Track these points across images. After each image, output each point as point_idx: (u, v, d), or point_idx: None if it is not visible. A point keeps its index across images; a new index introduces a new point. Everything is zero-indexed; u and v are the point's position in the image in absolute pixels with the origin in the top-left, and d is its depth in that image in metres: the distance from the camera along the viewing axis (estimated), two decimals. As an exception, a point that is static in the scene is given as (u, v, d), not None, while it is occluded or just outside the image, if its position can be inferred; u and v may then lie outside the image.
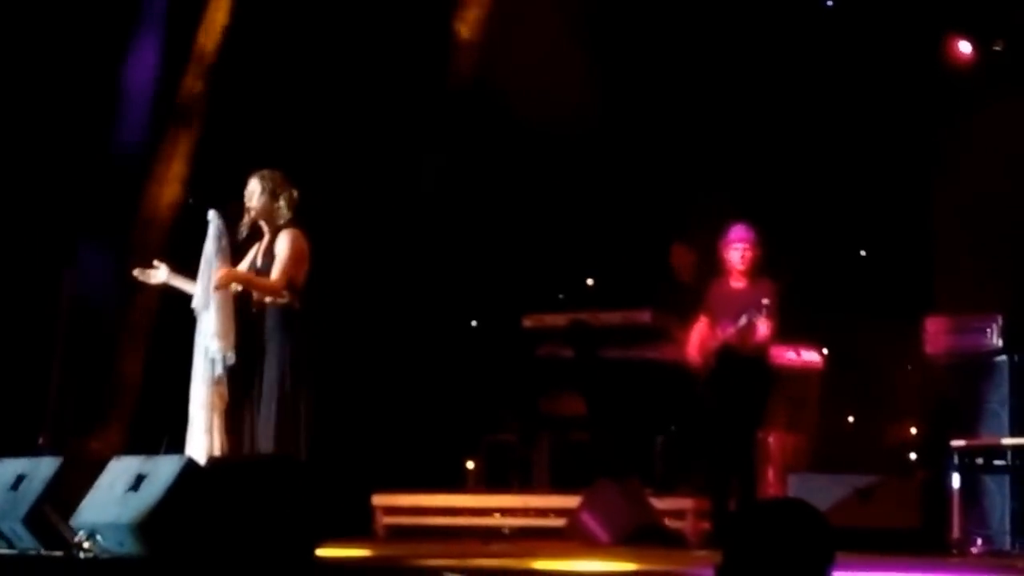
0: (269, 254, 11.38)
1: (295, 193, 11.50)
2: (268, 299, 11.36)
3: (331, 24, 15.19)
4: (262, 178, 11.49)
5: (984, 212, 14.59)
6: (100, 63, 14.77)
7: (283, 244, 11.33)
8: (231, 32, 15.18)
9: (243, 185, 11.54)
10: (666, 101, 15.63)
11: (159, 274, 11.48)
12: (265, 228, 11.48)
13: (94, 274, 14.40)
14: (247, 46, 15.05)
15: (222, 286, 11.23)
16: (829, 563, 5.69)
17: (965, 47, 15.12)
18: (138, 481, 10.33)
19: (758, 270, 13.16)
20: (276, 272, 11.22)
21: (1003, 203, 14.46)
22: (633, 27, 15.53)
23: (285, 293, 11.28)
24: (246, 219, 11.47)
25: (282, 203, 11.48)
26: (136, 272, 11.53)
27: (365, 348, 14.67)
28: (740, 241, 13.17)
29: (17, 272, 14.17)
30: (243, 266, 11.45)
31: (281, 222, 11.45)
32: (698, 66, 15.48)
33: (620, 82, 15.60)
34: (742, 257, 13.13)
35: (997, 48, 14.91)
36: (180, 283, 11.43)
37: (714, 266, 13.40)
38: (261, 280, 11.29)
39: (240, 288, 11.40)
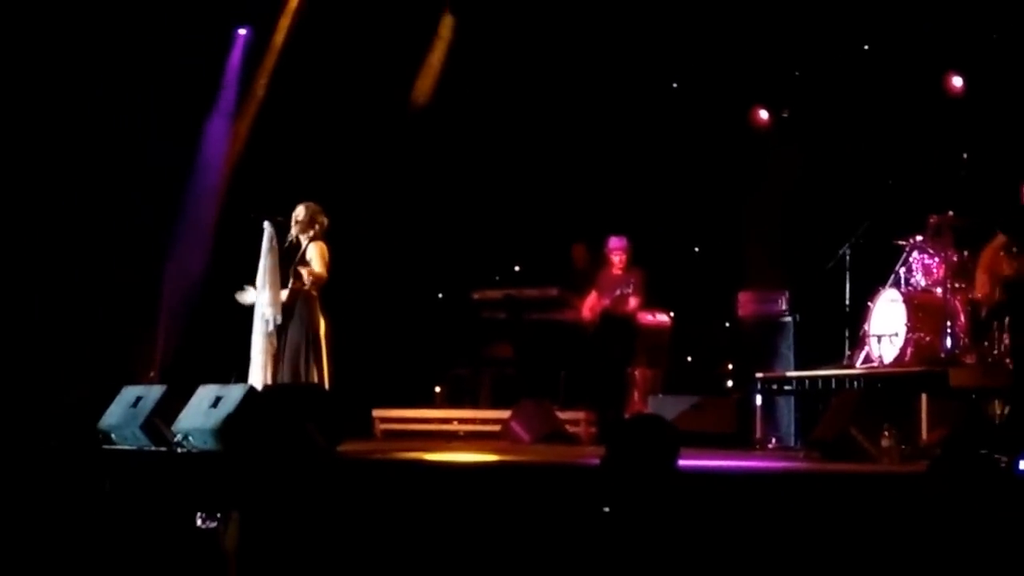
0: (303, 260, 11.44)
1: (326, 221, 11.57)
2: (298, 286, 11.42)
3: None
4: (307, 207, 11.56)
5: (775, 221, 14.67)
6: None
7: (315, 253, 11.40)
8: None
9: (289, 207, 11.62)
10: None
11: (248, 296, 11.47)
12: (302, 241, 11.53)
13: (187, 265, 14.32)
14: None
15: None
16: (676, 455, 5.72)
17: (764, 114, 15.23)
18: (217, 401, 10.43)
19: (630, 263, 13.27)
20: (319, 267, 11.31)
21: (786, 215, 14.57)
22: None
23: (320, 277, 11.33)
24: (292, 232, 11.54)
25: (317, 227, 11.54)
26: (236, 295, 11.52)
27: (369, 312, 14.61)
28: (617, 248, 13.31)
29: (131, 263, 14.10)
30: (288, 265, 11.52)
31: (315, 237, 11.52)
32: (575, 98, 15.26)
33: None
34: (619, 259, 13.26)
35: (784, 115, 15.01)
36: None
37: (601, 259, 13.49)
38: (312, 273, 11.37)
39: (293, 283, 11.44)
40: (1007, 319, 11.24)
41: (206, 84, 14.67)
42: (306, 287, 11.40)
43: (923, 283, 12.48)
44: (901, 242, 12.60)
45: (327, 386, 11.34)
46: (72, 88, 13.66)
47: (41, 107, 13.49)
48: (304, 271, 11.35)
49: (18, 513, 6.76)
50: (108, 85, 13.77)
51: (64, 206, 13.71)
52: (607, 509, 5.52)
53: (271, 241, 11.51)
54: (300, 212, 11.54)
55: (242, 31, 14.88)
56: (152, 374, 12.59)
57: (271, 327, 11.46)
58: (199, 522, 6.87)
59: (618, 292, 13.08)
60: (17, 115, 13.36)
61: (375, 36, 14.62)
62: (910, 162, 13.52)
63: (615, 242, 13.31)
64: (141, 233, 14.05)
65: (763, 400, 13.05)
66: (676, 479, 5.65)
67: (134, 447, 10.54)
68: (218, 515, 6.83)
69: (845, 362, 12.75)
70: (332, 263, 11.54)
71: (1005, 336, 11.54)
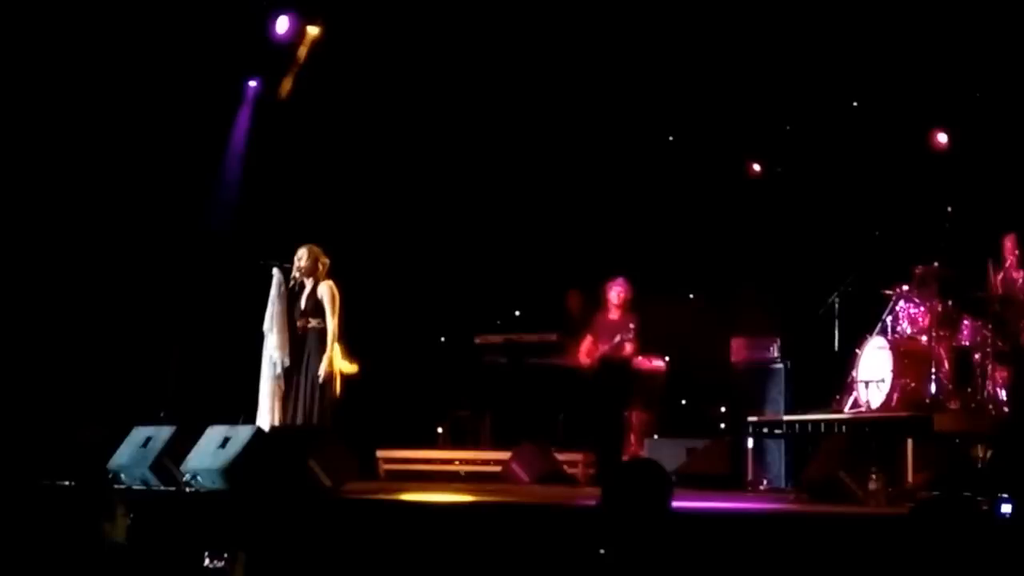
0: (312, 298, 11.48)
1: (328, 261, 11.61)
2: (309, 325, 11.44)
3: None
4: (309, 250, 11.59)
5: (767, 270, 14.67)
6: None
7: (326, 294, 11.43)
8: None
9: (292, 252, 11.66)
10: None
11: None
12: (307, 282, 11.55)
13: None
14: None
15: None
16: (669, 497, 5.71)
17: (757, 167, 15.27)
18: (225, 441, 10.39)
19: (627, 307, 13.26)
20: (331, 322, 11.36)
21: (778, 264, 14.58)
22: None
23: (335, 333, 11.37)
24: (296, 275, 11.57)
25: (320, 267, 11.58)
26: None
27: (374, 354, 14.56)
28: (617, 286, 13.28)
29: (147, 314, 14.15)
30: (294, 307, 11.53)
31: (320, 278, 11.54)
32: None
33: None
34: (617, 296, 13.23)
35: (779, 169, 15.04)
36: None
37: (597, 304, 13.49)
38: (331, 340, 11.41)
39: (299, 321, 11.47)
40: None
41: (216, 132, 14.68)
42: (320, 327, 11.44)
43: (909, 331, 12.56)
44: (888, 291, 12.70)
45: (328, 423, 11.35)
46: (90, 133, 13.71)
47: (55, 154, 13.55)
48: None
49: (26, 551, 6.74)
50: (123, 131, 13.81)
51: (77, 248, 13.71)
52: (603, 550, 5.52)
53: (279, 287, 11.58)
54: (303, 255, 11.58)
55: (252, 83, 14.91)
56: (162, 414, 12.53)
57: (279, 370, 11.49)
58: (207, 561, 6.84)
59: (617, 338, 13.06)
60: (27, 165, 13.42)
61: (378, 81, 14.66)
62: (896, 214, 13.60)
63: (617, 280, 13.28)
64: (154, 273, 14.07)
65: (755, 443, 13.01)
66: (670, 520, 5.63)
67: (144, 487, 10.48)
68: (225, 554, 6.81)
69: (834, 407, 12.76)
70: (341, 307, 11.57)
71: (987, 383, 11.60)
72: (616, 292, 13.22)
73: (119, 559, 6.26)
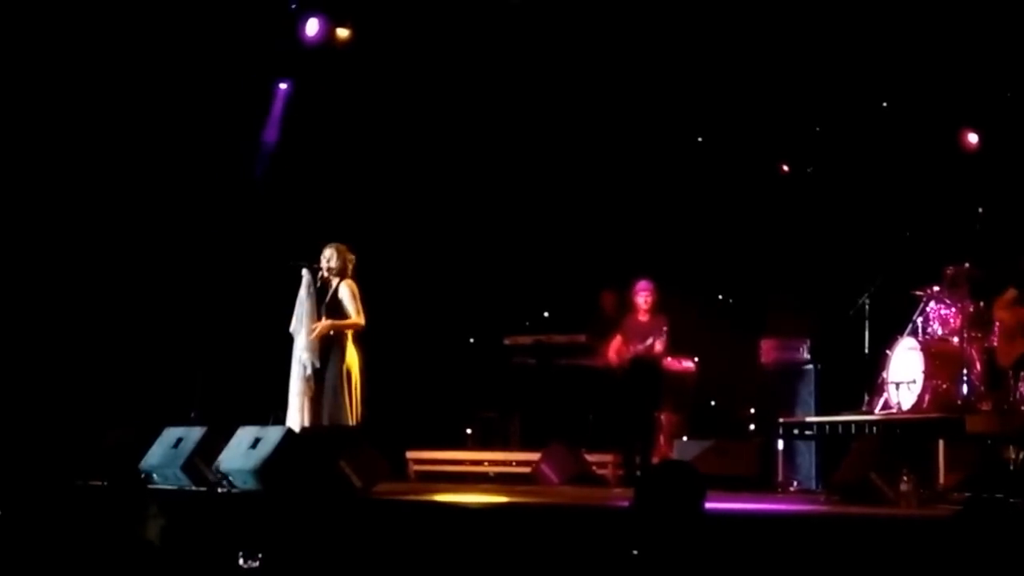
0: (335, 297, 11.48)
1: (354, 258, 11.61)
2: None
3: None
4: (336, 249, 11.61)
5: (797, 275, 14.60)
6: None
7: (347, 292, 11.44)
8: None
9: (319, 252, 11.66)
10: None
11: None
12: (333, 280, 11.57)
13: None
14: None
15: (321, 333, 11.27)
16: (703, 498, 5.69)
17: (786, 168, 15.20)
18: (256, 442, 10.40)
19: (656, 309, 13.22)
20: (354, 314, 11.34)
21: (808, 265, 14.51)
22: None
23: (359, 326, 11.39)
24: (323, 274, 11.58)
25: (349, 265, 11.59)
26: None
27: (404, 356, 14.61)
28: (643, 290, 13.23)
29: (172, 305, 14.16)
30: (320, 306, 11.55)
31: (345, 277, 11.56)
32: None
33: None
34: (645, 302, 13.19)
35: (809, 170, 14.98)
36: None
37: (628, 304, 13.46)
38: (345, 322, 11.42)
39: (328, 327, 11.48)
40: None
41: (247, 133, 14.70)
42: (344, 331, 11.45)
43: (940, 332, 12.50)
44: (918, 292, 12.65)
45: (358, 424, 11.34)
46: (124, 136, 13.77)
47: (83, 157, 13.60)
48: (340, 324, 11.39)
49: (61, 552, 6.73)
50: (154, 136, 13.86)
51: (108, 252, 13.75)
52: (636, 551, 5.49)
53: (309, 287, 11.58)
54: (332, 256, 11.61)
55: (283, 85, 14.91)
56: (192, 414, 12.55)
57: (309, 371, 11.49)
58: (241, 561, 6.83)
59: (649, 340, 13.02)
60: (59, 168, 13.47)
61: (408, 80, 14.65)
62: (927, 215, 13.51)
63: (643, 283, 13.25)
64: (184, 276, 14.08)
65: (784, 444, 13.04)
66: (703, 521, 5.61)
67: (175, 487, 10.51)
68: (260, 555, 6.79)
69: (864, 408, 12.72)
70: (368, 307, 11.61)
71: (1020, 384, 11.53)
72: (643, 297, 13.19)
73: (153, 560, 6.25)
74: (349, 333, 11.53)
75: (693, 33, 13.86)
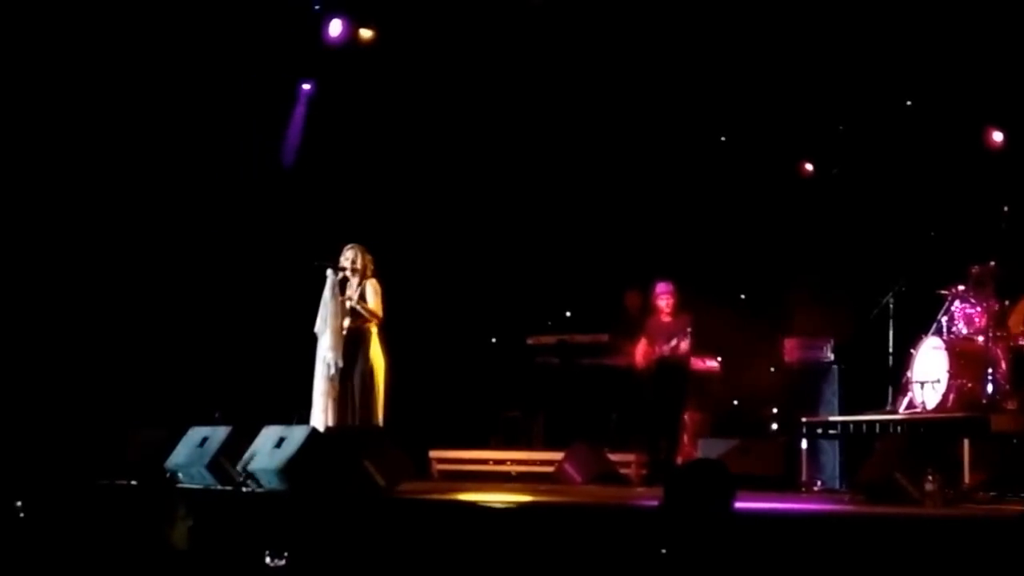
0: (362, 297, 11.54)
1: (372, 259, 11.67)
2: (357, 324, 11.47)
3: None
4: (357, 250, 11.71)
5: (821, 275, 14.54)
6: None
7: (371, 290, 11.52)
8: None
9: (340, 253, 11.71)
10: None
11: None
12: (354, 280, 11.62)
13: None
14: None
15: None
16: (732, 498, 5.69)
17: (810, 167, 15.15)
18: (281, 441, 10.41)
19: (678, 309, 13.19)
20: (374, 306, 11.37)
21: (832, 264, 14.46)
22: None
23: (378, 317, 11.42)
24: (344, 274, 11.64)
25: (370, 265, 11.65)
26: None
27: (427, 356, 14.60)
28: (664, 292, 13.22)
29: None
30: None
31: (367, 276, 11.62)
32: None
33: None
34: (666, 303, 13.18)
35: (833, 169, 14.92)
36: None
37: (650, 306, 13.43)
38: (367, 308, 11.51)
39: (348, 321, 11.52)
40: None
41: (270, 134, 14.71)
42: (368, 323, 11.45)
43: (965, 331, 12.44)
44: (943, 291, 12.59)
45: (381, 422, 11.37)
46: (145, 139, 13.80)
47: (104, 160, 13.65)
48: (361, 308, 11.43)
49: (88, 551, 6.73)
50: (177, 137, 13.89)
51: (134, 252, 13.79)
52: (665, 550, 5.48)
53: (333, 288, 11.61)
54: (355, 257, 11.72)
55: (306, 86, 14.92)
56: (217, 414, 12.58)
57: (332, 370, 11.51)
58: (268, 560, 6.83)
59: (674, 341, 12.99)
60: (85, 168, 13.51)
61: (430, 81, 14.65)
62: (952, 214, 13.46)
63: (662, 287, 13.22)
64: (208, 276, 14.11)
65: (808, 443, 12.97)
66: (733, 521, 5.59)
67: (200, 487, 10.52)
68: (286, 553, 6.79)
69: (889, 407, 12.71)
70: (390, 307, 11.72)
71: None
72: (664, 300, 13.18)
73: (180, 559, 6.26)
74: (374, 332, 11.60)
75: (718, 33, 13.83)
